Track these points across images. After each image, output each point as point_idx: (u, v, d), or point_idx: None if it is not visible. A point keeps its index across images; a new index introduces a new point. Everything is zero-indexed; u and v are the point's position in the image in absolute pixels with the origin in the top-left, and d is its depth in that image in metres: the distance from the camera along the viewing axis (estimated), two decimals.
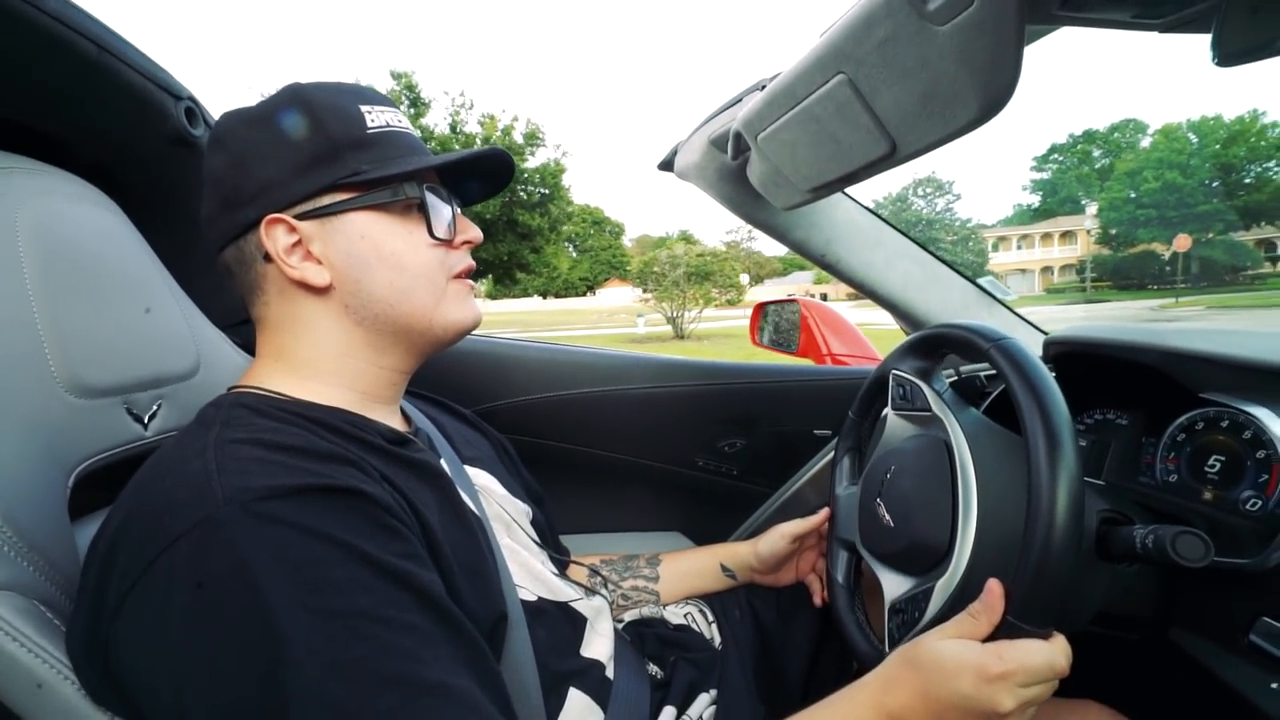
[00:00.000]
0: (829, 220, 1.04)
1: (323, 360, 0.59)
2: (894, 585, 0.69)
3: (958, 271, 1.14)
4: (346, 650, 0.41)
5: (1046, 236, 51.14)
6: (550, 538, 0.81)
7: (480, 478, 0.73)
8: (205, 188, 0.58)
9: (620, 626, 0.87)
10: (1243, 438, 0.64)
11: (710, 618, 0.88)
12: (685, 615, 0.89)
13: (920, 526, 0.66)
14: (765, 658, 0.85)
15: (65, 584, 0.51)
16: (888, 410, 0.79)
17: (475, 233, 0.64)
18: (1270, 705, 0.55)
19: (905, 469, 0.70)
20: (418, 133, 0.61)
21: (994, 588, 0.53)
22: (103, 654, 0.44)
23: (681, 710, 0.72)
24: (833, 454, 0.92)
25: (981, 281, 1.18)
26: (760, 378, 1.28)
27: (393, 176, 0.57)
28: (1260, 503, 0.61)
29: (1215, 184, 40.96)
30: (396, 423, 0.64)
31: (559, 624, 0.68)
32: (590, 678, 0.67)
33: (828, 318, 1.43)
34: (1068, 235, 49.55)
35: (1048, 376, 0.54)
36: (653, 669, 0.80)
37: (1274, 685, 0.55)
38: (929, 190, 41.31)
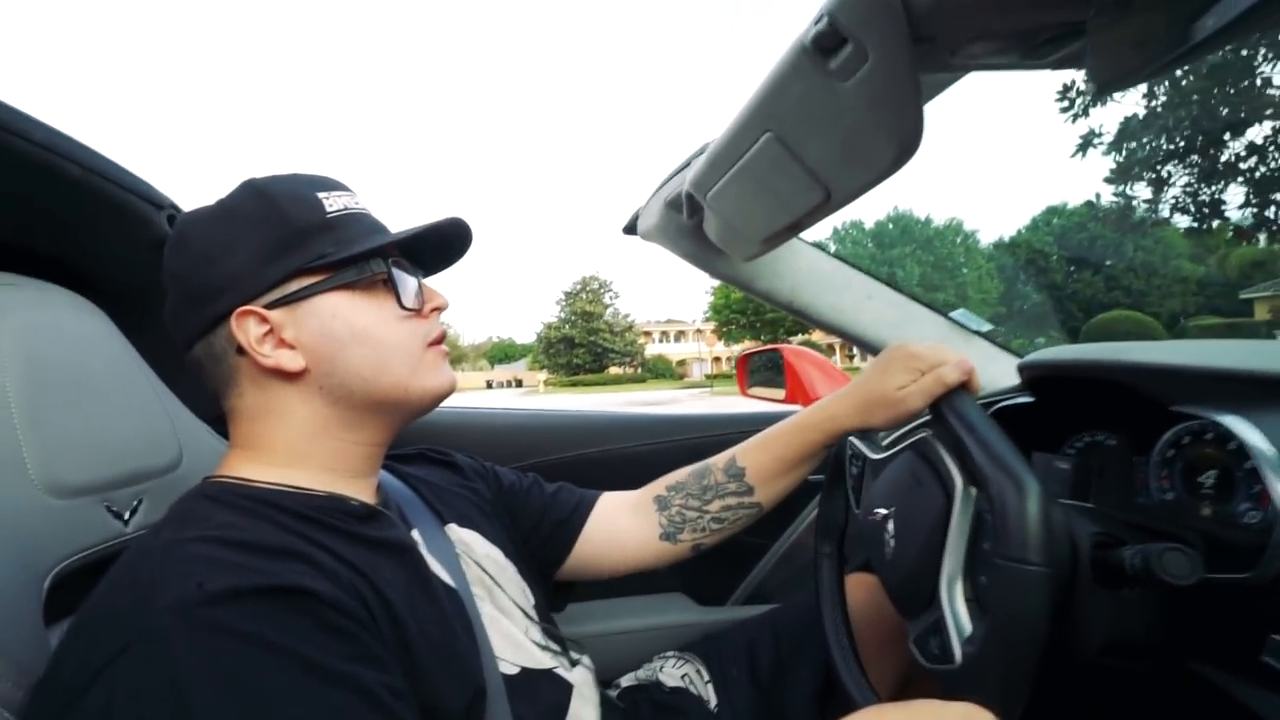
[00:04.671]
0: (791, 268, 1.07)
1: (296, 443, 0.59)
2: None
3: (931, 308, 1.16)
4: None
5: (699, 331, 55.61)
6: (539, 592, 0.78)
7: (462, 535, 0.72)
8: (168, 289, 0.59)
9: (615, 694, 0.85)
10: (1229, 449, 0.61)
11: (707, 677, 0.86)
12: (683, 677, 0.87)
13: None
14: (765, 717, 0.82)
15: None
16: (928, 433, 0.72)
17: (442, 299, 0.65)
18: None
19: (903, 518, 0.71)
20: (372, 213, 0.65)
21: None
22: None
23: None
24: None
25: (954, 315, 1.19)
26: (749, 426, 1.28)
27: (357, 255, 0.58)
28: (1259, 515, 0.57)
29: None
30: (369, 495, 0.63)
31: (543, 694, 0.66)
32: None
33: (811, 360, 1.44)
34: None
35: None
36: None
37: None
38: (594, 287, 45.93)
